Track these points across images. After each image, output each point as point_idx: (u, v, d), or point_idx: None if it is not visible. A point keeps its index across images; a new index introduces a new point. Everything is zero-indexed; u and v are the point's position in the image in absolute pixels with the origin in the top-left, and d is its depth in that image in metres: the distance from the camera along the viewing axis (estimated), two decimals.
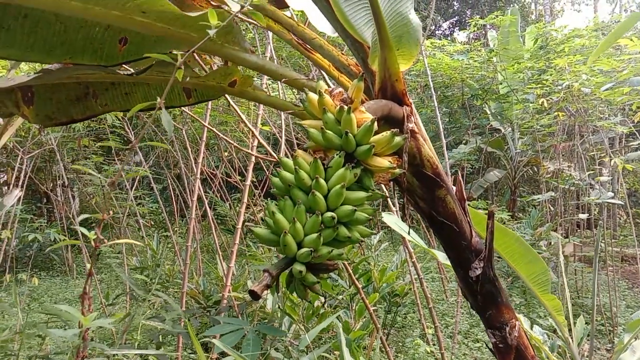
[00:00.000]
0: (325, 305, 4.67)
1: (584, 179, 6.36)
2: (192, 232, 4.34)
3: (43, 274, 9.24)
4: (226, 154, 8.47)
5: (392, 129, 1.40)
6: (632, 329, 2.23)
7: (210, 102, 4.24)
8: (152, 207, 11.37)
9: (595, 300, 7.04)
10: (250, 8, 1.36)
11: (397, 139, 1.40)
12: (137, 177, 8.78)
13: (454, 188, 1.89)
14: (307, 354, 3.76)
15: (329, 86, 1.53)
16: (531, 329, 3.29)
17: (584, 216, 6.49)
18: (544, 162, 9.17)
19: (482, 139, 11.85)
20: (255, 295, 1.24)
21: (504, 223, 8.54)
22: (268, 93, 3.98)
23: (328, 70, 1.85)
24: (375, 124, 1.37)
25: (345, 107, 1.32)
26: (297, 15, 2.16)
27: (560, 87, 6.84)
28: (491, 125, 11.78)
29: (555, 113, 7.39)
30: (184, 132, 5.86)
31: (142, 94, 1.70)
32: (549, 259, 6.72)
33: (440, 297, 7.40)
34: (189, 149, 5.82)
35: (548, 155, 10.32)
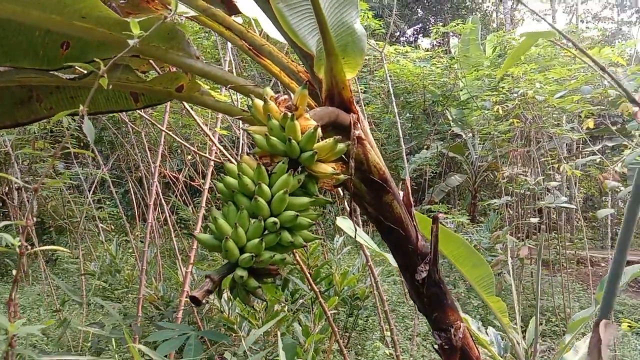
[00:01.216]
0: (286, 309, 4.67)
1: (539, 184, 6.58)
2: (150, 236, 4.28)
3: None
4: (189, 157, 8.38)
5: (336, 136, 1.43)
6: (573, 329, 2.32)
7: (168, 105, 4.20)
8: (112, 212, 11.15)
9: (539, 302, 7.23)
10: (191, 14, 1.36)
11: (341, 145, 1.43)
12: (97, 180, 8.58)
13: (402, 194, 1.94)
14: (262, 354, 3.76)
15: (277, 92, 1.55)
16: (485, 329, 3.38)
17: (535, 220, 6.70)
18: (503, 167, 9.40)
19: (444, 144, 12.08)
20: (196, 301, 1.25)
21: (464, 226, 8.72)
22: (231, 100, 3.95)
23: (279, 76, 1.87)
24: (320, 130, 1.40)
25: (289, 114, 1.34)
26: (254, 20, 2.18)
27: (515, 95, 7.06)
28: (452, 131, 12.03)
29: (511, 120, 7.61)
30: (142, 135, 5.78)
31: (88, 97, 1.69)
32: (506, 262, 6.90)
33: (401, 300, 7.50)
34: (148, 153, 5.74)
35: (507, 161, 10.60)
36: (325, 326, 4.62)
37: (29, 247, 1.14)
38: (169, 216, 6.54)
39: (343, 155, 1.57)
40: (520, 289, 7.06)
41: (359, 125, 1.71)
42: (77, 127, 6.55)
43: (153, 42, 1.40)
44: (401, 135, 5.86)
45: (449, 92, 10.99)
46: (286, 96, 1.47)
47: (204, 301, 1.28)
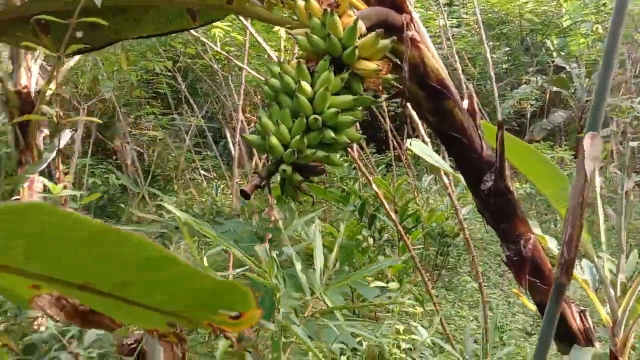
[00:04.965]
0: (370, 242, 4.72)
1: None
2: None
3: (111, 223, 9.86)
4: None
5: (378, 30, 1.38)
6: None
7: (247, 44, 4.28)
8: (213, 162, 11.80)
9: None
10: None
11: (384, 41, 1.38)
12: (193, 129, 9.07)
13: (465, 101, 1.86)
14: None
15: None
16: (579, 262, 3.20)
17: (634, 143, 6.11)
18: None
19: (546, 78, 11.23)
20: (245, 195, 1.31)
21: (565, 163, 8.19)
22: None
23: None
24: (363, 27, 1.37)
25: (329, 10, 1.32)
26: None
27: None
28: (555, 63, 11.12)
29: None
30: (230, 81, 5.98)
31: (152, 18, 1.79)
32: (611, 198, 6.44)
33: (495, 239, 7.30)
34: (236, 97, 5.94)
35: (619, 92, 9.67)
36: (407, 260, 4.63)
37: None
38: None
39: (397, 60, 1.54)
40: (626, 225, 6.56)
41: (412, 26, 1.64)
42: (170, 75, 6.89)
43: None
44: (492, 69, 5.54)
45: (549, 20, 10.10)
46: None
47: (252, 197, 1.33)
